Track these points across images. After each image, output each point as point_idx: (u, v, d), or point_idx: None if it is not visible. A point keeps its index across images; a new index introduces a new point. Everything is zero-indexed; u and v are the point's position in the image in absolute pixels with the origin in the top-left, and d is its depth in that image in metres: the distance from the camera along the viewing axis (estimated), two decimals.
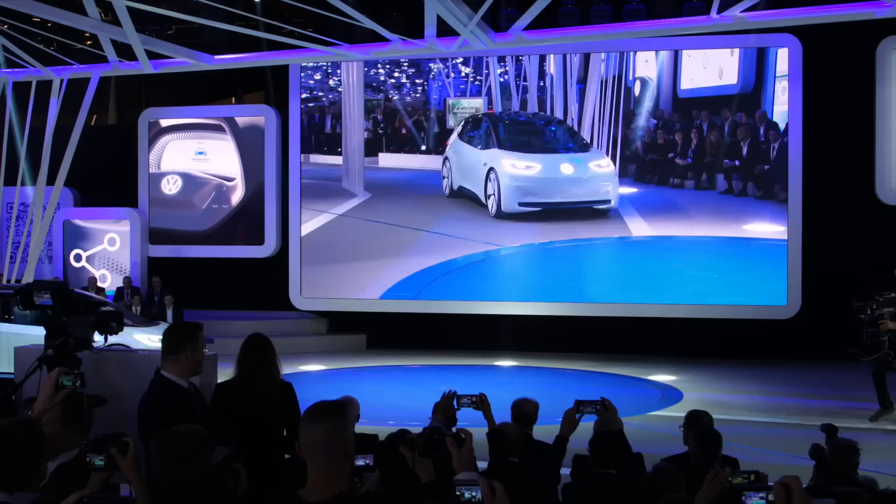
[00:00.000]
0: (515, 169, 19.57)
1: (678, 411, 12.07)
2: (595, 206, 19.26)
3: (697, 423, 6.20)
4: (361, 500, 3.80)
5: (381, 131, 19.76)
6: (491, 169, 19.65)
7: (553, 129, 19.85)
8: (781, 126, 17.48)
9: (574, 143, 19.55)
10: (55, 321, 5.61)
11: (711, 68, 18.10)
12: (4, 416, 4.42)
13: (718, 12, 11.66)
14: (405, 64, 19.42)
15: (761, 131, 17.61)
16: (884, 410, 11.96)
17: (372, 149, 19.75)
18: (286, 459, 5.76)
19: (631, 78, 18.62)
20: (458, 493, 2.95)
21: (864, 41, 16.47)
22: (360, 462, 4.22)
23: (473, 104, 19.70)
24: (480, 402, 5.22)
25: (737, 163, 17.81)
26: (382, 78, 19.70)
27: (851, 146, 16.89)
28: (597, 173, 19.42)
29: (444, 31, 12.23)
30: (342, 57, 15.20)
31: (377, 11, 14.83)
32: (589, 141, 19.33)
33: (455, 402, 5.30)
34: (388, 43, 13.06)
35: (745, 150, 17.73)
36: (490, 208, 19.49)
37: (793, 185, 17.31)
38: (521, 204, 19.48)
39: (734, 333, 17.44)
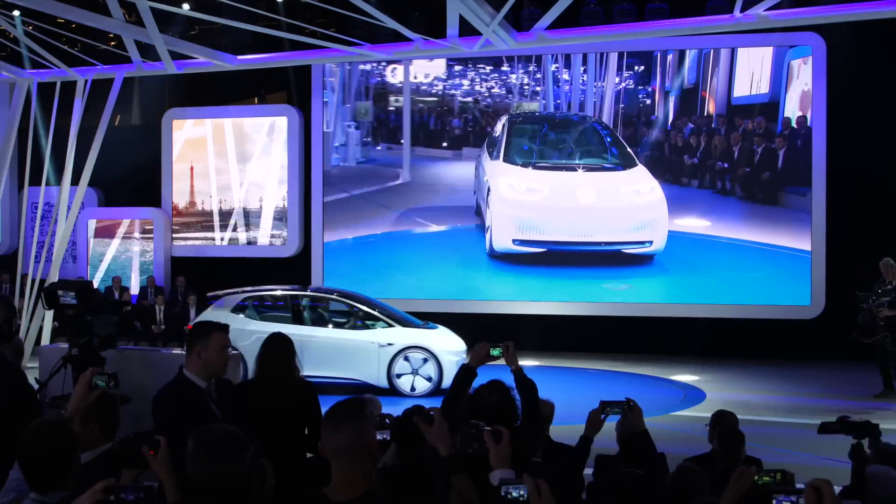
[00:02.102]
0: (514, 191, 16.05)
1: (701, 411, 12.04)
2: (625, 250, 15.98)
3: (722, 422, 6.20)
4: (380, 474, 3.84)
5: (469, 129, 18.85)
6: (490, 189, 16.62)
7: (585, 135, 16.66)
8: (774, 131, 17.20)
9: (611, 156, 16.47)
10: (80, 320, 5.64)
11: (751, 76, 17.31)
12: (34, 416, 4.46)
13: (741, 11, 11.59)
14: (532, 67, 18.30)
15: (754, 137, 17.24)
16: (886, 389, 13.22)
17: (459, 144, 18.83)
18: (308, 458, 5.77)
19: (691, 83, 17.19)
20: (503, 492, 2.96)
21: (889, 40, 16.34)
22: (378, 436, 4.25)
23: (531, 107, 17.55)
24: (505, 350, 5.30)
25: (726, 165, 17.20)
26: (510, 80, 18.29)
27: (876, 145, 16.75)
28: (633, 203, 15.79)
29: (467, 30, 12.21)
30: (364, 57, 15.21)
31: (399, 11, 14.82)
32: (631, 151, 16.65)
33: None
34: (411, 43, 13.05)
35: (735, 154, 17.15)
36: (486, 243, 16.82)
37: (817, 185, 17.21)
38: (516, 241, 16.24)
39: (758, 333, 17.34)
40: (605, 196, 15.95)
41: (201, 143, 20.84)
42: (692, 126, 17.50)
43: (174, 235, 20.84)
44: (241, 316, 14.19)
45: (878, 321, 13.25)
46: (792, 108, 17.16)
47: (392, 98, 19.08)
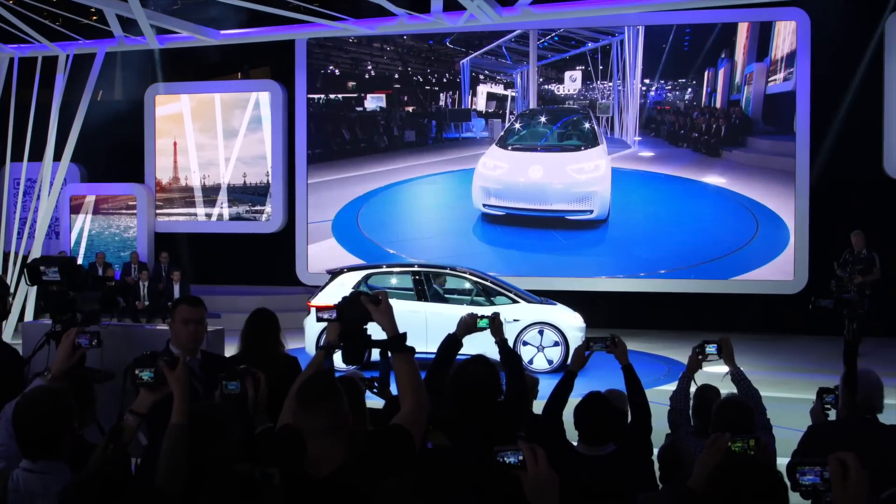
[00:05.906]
0: (484, 168, 19.12)
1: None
2: (568, 216, 18.57)
3: (702, 397, 6.24)
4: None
5: None
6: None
7: (568, 123, 18.98)
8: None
9: (576, 140, 18.80)
10: (63, 297, 5.60)
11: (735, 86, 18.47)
12: (16, 389, 4.44)
13: None
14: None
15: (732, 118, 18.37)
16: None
17: None
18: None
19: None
20: (499, 458, 2.80)
21: (873, 14, 16.38)
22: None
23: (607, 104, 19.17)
24: (491, 322, 5.42)
25: (696, 134, 18.53)
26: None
27: (859, 120, 16.81)
28: (573, 179, 18.54)
29: (451, 5, 12.17)
30: (348, 31, 15.14)
31: None
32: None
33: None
34: (395, 17, 13.00)
35: (703, 127, 18.46)
36: None
37: (800, 159, 17.30)
38: (484, 205, 19.04)
39: (740, 308, 17.43)
40: (551, 173, 18.75)
41: (184, 118, 20.74)
42: (697, 113, 18.64)
43: (157, 211, 20.77)
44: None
45: (852, 287, 14.23)
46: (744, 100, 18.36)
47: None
